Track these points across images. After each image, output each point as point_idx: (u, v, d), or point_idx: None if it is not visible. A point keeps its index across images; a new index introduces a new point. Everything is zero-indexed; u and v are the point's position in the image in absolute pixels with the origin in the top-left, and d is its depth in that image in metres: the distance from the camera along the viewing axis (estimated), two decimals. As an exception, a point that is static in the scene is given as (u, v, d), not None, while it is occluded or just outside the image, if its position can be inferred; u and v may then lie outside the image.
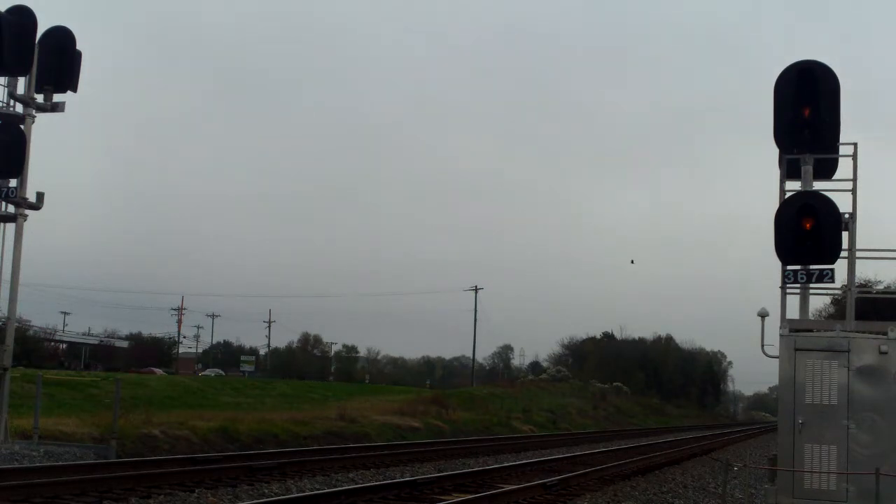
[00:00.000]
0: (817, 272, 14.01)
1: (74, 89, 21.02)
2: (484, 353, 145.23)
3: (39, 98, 20.52)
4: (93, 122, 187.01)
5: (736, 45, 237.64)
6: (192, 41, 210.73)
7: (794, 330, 13.75)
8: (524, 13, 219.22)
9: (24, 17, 19.74)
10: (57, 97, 20.81)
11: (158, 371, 79.71)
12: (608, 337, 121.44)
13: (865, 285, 36.45)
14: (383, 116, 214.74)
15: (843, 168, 14.87)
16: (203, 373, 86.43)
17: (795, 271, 14.18)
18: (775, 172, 14.99)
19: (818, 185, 14.58)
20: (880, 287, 42.53)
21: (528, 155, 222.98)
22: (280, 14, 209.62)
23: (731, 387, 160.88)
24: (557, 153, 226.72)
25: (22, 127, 20.11)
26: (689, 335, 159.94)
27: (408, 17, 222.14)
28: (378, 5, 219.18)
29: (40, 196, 20.18)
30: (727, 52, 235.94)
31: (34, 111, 20.35)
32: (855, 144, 14.64)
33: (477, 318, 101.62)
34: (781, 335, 13.66)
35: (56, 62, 20.55)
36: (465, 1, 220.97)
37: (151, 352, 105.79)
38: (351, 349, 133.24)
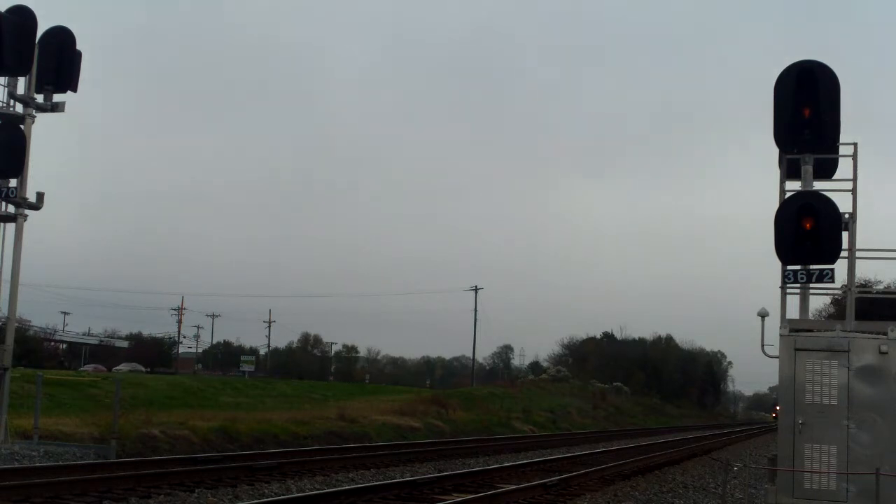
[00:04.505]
0: (817, 272, 14.01)
1: (74, 89, 21.03)
2: (484, 353, 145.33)
3: (39, 98, 20.53)
4: (92, 122, 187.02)
5: (726, 45, 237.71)
6: (192, 40, 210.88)
7: (794, 330, 13.75)
8: (508, 13, 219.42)
9: (24, 17, 19.74)
10: (57, 97, 20.82)
11: (95, 368, 75.24)
12: (608, 337, 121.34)
13: (865, 285, 36.43)
14: (381, 117, 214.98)
15: (843, 168, 14.90)
16: (116, 367, 78.72)
17: (795, 271, 14.18)
18: (775, 172, 15.00)
19: (818, 185, 14.58)
20: (880, 287, 42.51)
21: (526, 156, 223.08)
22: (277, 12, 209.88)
23: (731, 387, 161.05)
24: (556, 154, 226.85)
25: (22, 127, 20.12)
26: (689, 335, 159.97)
27: (391, 25, 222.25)
28: (362, 17, 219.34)
29: (40, 196, 20.19)
30: (721, 51, 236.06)
31: (34, 111, 20.36)
32: (855, 144, 14.65)
33: (477, 318, 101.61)
34: (781, 335, 13.66)
35: (56, 62, 20.56)
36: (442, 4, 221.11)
37: (151, 352, 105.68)
38: (351, 349, 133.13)
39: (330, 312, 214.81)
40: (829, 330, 13.96)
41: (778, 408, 14.41)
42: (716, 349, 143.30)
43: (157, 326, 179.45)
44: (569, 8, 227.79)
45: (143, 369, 79.98)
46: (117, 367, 77.32)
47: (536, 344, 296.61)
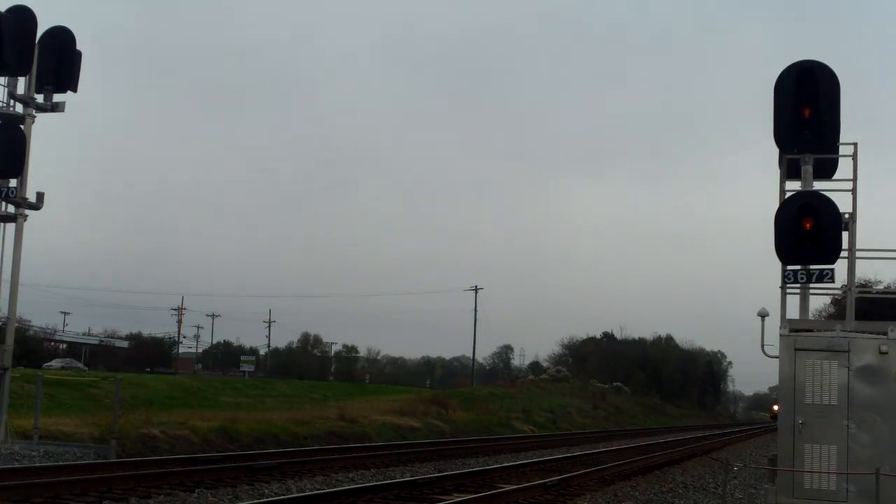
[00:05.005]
0: (817, 272, 14.01)
1: (74, 89, 21.03)
2: (484, 353, 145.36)
3: (39, 98, 20.53)
4: (92, 122, 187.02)
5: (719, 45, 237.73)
6: (192, 39, 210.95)
7: (794, 330, 13.75)
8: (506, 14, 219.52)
9: (24, 17, 19.73)
10: (57, 97, 20.82)
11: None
12: (608, 337, 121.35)
13: (865, 285, 36.42)
14: (381, 117, 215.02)
15: (843, 168, 14.90)
16: (47, 364, 70.87)
17: (795, 271, 14.18)
18: (775, 172, 15.00)
19: (818, 185, 14.58)
20: (880, 287, 42.50)
21: (527, 156, 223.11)
22: (281, 15, 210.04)
23: (731, 387, 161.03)
24: (556, 154, 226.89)
25: (22, 127, 20.12)
26: (689, 335, 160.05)
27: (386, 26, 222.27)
28: (363, 17, 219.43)
29: (40, 196, 20.19)
30: (721, 51, 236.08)
31: (34, 111, 20.36)
32: (855, 144, 14.65)
33: (477, 318, 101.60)
34: (781, 335, 13.66)
35: (56, 62, 20.56)
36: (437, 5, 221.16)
37: (152, 352, 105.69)
38: (351, 349, 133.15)
39: (330, 312, 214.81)
40: (829, 330, 13.96)
41: (776, 407, 14.45)
42: (716, 349, 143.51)
43: (157, 326, 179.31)
44: (569, 8, 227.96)
45: (80, 366, 76.45)
46: (48, 364, 71.06)
47: (536, 344, 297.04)
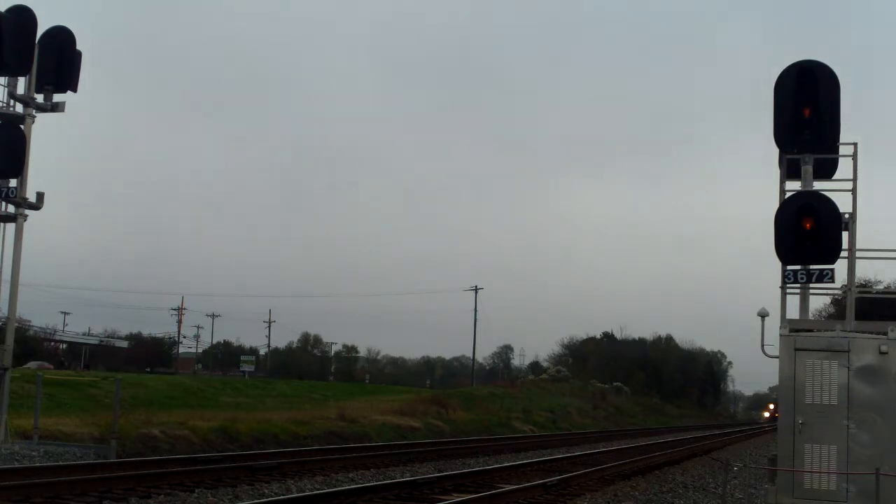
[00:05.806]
0: (817, 272, 14.01)
1: (74, 89, 21.03)
2: (484, 353, 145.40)
3: (39, 98, 20.53)
4: (92, 122, 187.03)
5: (720, 43, 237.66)
6: (192, 40, 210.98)
7: (794, 330, 13.75)
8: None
9: (24, 16, 19.73)
10: (57, 97, 20.82)
11: (41, 365, 70.78)
12: (608, 337, 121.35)
13: (865, 285, 36.42)
14: (381, 117, 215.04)
15: (843, 168, 14.90)
16: (25, 366, 65.15)
17: (795, 271, 14.18)
18: (775, 172, 15.01)
19: (818, 185, 14.59)
20: (880, 287, 42.51)
21: (526, 155, 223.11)
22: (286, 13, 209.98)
23: (731, 387, 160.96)
24: (556, 154, 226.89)
25: (22, 127, 20.12)
26: (689, 335, 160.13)
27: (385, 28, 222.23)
28: (362, 17, 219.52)
29: (40, 196, 20.20)
30: (721, 51, 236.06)
31: (34, 111, 20.36)
32: (855, 144, 14.65)
33: (477, 318, 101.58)
34: (781, 335, 13.66)
35: (56, 62, 20.57)
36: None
37: (151, 352, 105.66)
38: (351, 349, 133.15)
39: (330, 312, 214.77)
40: (829, 330, 13.96)
41: (771, 406, 14.41)
42: (716, 349, 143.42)
43: (157, 326, 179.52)
44: (568, 7, 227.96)
45: (48, 366, 73.21)
46: (26, 366, 66.97)
47: (536, 344, 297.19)
